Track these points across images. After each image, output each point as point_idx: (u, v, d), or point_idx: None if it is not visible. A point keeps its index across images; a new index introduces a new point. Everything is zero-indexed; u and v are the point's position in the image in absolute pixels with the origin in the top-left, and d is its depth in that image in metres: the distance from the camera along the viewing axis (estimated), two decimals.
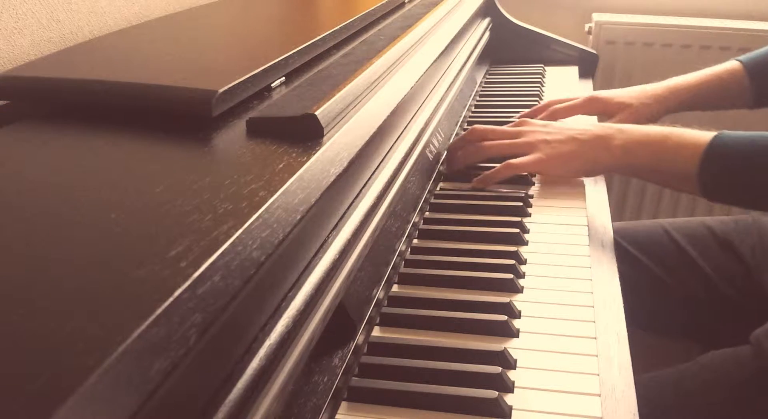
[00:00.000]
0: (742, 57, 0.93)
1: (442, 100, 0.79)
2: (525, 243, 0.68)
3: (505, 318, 0.55)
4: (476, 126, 0.82)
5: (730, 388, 0.68)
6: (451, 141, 0.86)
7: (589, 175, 0.79)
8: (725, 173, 0.68)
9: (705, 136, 0.69)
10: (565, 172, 0.78)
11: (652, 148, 0.72)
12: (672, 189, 0.78)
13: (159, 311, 0.26)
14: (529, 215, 0.73)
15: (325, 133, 0.46)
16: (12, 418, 0.21)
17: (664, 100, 0.91)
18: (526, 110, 0.97)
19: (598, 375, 0.49)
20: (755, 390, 0.67)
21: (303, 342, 0.38)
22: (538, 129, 0.79)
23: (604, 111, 0.93)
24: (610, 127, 0.76)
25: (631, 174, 0.77)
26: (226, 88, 0.47)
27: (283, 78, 0.57)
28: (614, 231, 0.72)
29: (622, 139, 0.74)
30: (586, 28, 1.51)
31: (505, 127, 0.82)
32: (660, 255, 0.88)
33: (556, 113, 0.92)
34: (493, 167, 0.78)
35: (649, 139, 0.73)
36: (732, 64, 0.92)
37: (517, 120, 0.84)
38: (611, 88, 1.51)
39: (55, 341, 0.24)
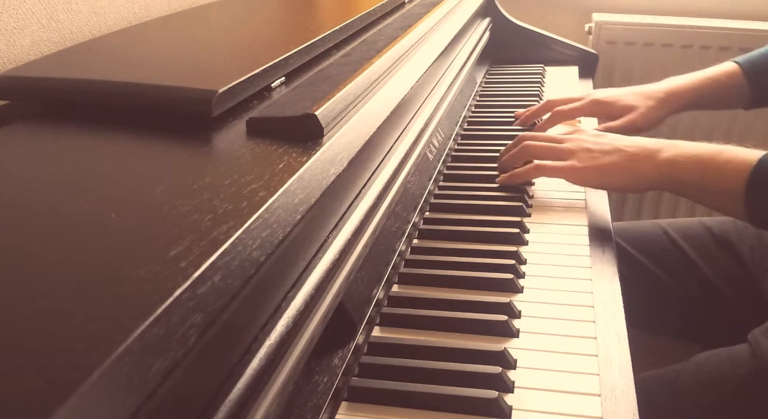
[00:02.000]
0: (738, 58, 0.92)
1: (442, 99, 0.79)
2: (525, 243, 0.68)
3: (505, 318, 0.55)
4: (526, 133, 0.79)
5: (727, 387, 0.69)
6: (450, 143, 0.86)
7: (631, 190, 0.74)
8: None
9: (756, 153, 0.65)
10: (602, 184, 0.73)
11: (701, 163, 0.67)
12: (718, 211, 0.71)
13: (159, 311, 0.26)
14: (529, 215, 0.73)
15: (325, 133, 0.46)
16: (12, 418, 0.21)
17: (666, 102, 0.90)
18: (522, 110, 0.96)
19: (598, 375, 0.49)
20: (752, 389, 0.67)
21: (303, 342, 0.38)
22: (586, 137, 0.75)
23: (609, 114, 0.91)
24: (661, 141, 0.71)
25: (677, 191, 0.71)
26: (226, 88, 0.47)
27: (283, 78, 0.57)
28: (613, 232, 0.71)
29: (670, 152, 0.69)
30: (586, 28, 1.51)
31: (554, 134, 0.79)
32: (659, 255, 0.88)
33: (559, 115, 0.92)
34: None
35: (699, 154, 0.67)
36: (730, 66, 0.92)
37: (520, 119, 0.83)
38: (611, 87, 1.52)
39: (55, 341, 0.24)
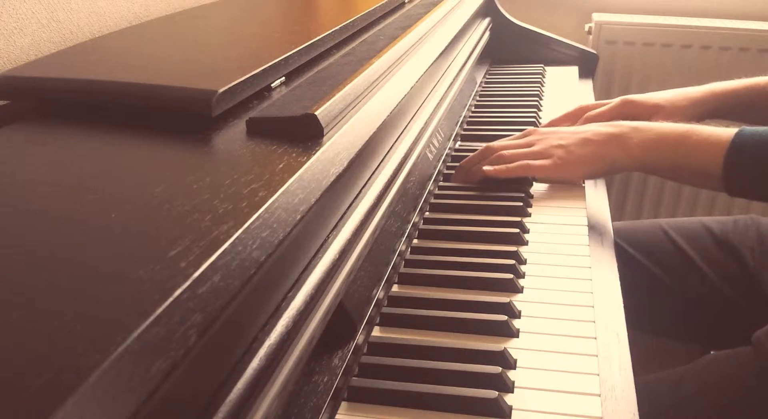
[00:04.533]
0: None
1: (442, 100, 0.79)
2: (525, 243, 0.68)
3: (505, 318, 0.55)
4: (489, 144, 0.80)
5: (731, 390, 0.68)
6: (450, 143, 0.86)
7: (608, 174, 0.78)
8: (752, 169, 0.67)
9: (726, 132, 0.68)
10: (583, 174, 0.77)
11: (671, 146, 0.71)
12: (693, 185, 0.77)
13: (159, 311, 0.26)
14: (529, 215, 0.73)
15: (325, 133, 0.46)
16: (12, 418, 0.21)
17: (702, 103, 0.88)
18: (556, 117, 0.94)
19: (598, 375, 0.49)
20: (756, 391, 0.67)
21: (303, 342, 0.38)
22: (549, 136, 0.78)
23: (638, 114, 0.89)
24: (624, 125, 0.74)
25: (650, 172, 0.75)
26: (226, 88, 0.47)
27: (283, 78, 0.57)
28: (613, 232, 0.71)
29: (638, 137, 0.72)
30: (586, 28, 1.51)
31: (513, 139, 0.81)
32: (659, 255, 0.88)
33: (589, 120, 0.90)
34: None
35: (667, 137, 0.71)
36: None
37: (529, 129, 0.82)
38: (611, 88, 1.52)
39: (55, 341, 0.24)
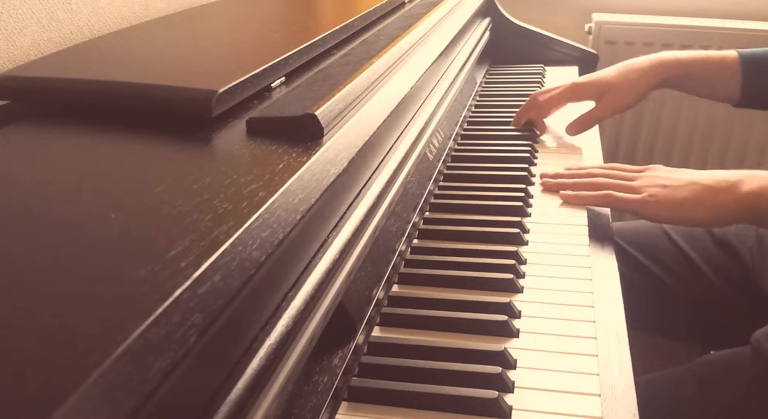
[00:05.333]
0: (743, 50, 0.88)
1: (442, 100, 0.79)
2: (525, 243, 0.68)
3: (505, 318, 0.55)
4: (595, 168, 0.77)
5: (730, 390, 0.68)
6: (450, 143, 0.86)
7: (711, 225, 0.71)
8: None
9: None
10: (677, 219, 0.70)
11: None
12: None
13: (159, 311, 0.26)
14: (529, 215, 0.73)
15: (325, 133, 0.46)
16: (12, 418, 0.21)
17: (651, 73, 0.87)
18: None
19: (598, 375, 0.49)
20: (755, 392, 0.67)
21: (303, 342, 0.38)
22: (658, 174, 0.73)
23: (590, 95, 0.90)
24: (741, 172, 0.68)
25: (760, 223, 0.68)
26: (226, 88, 0.47)
27: (283, 78, 0.57)
28: (613, 232, 0.71)
29: (754, 184, 0.65)
30: (586, 28, 1.51)
31: (631, 167, 0.77)
32: (659, 255, 0.88)
33: (542, 106, 0.91)
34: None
35: None
36: (729, 53, 0.88)
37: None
38: None
39: (55, 341, 0.24)
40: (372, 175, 0.54)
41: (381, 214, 0.53)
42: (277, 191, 0.37)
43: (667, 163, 0.77)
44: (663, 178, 0.71)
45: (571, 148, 0.92)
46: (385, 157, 0.58)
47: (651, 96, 0.92)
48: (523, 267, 0.63)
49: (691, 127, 1.53)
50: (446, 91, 0.82)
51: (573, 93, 0.91)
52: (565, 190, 0.77)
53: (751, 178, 0.66)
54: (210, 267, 0.30)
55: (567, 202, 0.75)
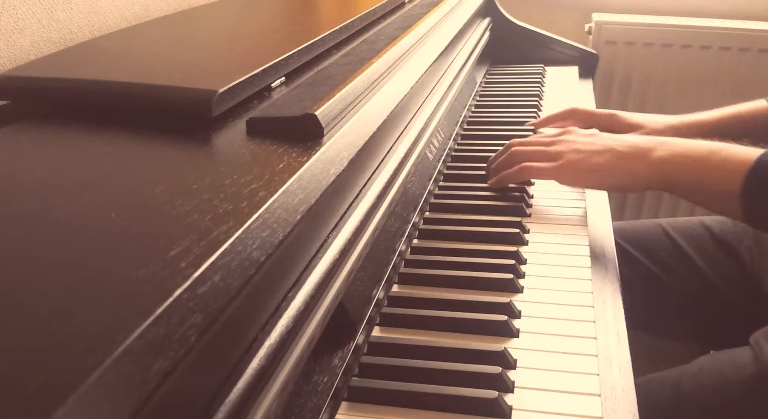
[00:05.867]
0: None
1: (442, 100, 0.79)
2: (525, 243, 0.68)
3: (505, 318, 0.55)
4: (513, 140, 0.78)
5: (730, 390, 0.68)
6: (450, 143, 0.86)
7: (625, 190, 0.72)
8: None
9: (753, 152, 0.63)
10: (594, 184, 0.72)
11: (695, 162, 0.65)
12: (713, 211, 0.70)
13: (159, 311, 0.26)
14: (529, 215, 0.73)
15: (325, 133, 0.46)
16: (12, 418, 0.21)
17: (679, 131, 0.86)
18: (543, 118, 0.94)
19: (598, 375, 0.49)
20: (755, 392, 0.67)
21: (303, 342, 0.38)
22: (575, 138, 0.73)
23: (619, 130, 0.88)
24: (653, 139, 0.70)
25: (671, 190, 0.69)
26: (226, 88, 0.47)
27: (283, 78, 0.57)
28: (613, 231, 0.71)
29: (664, 150, 0.67)
30: (586, 28, 1.51)
31: (543, 135, 0.78)
32: (658, 254, 0.88)
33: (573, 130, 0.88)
34: None
35: (694, 153, 0.66)
36: (759, 104, 0.86)
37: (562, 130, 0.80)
38: (611, 88, 1.52)
39: (55, 341, 0.24)
40: (372, 175, 0.54)
41: (381, 214, 0.53)
42: (277, 191, 0.37)
43: None
44: (579, 143, 0.72)
45: None
46: (385, 157, 0.58)
47: (650, 101, 0.91)
48: (523, 267, 0.63)
49: None
50: (446, 91, 0.82)
51: (607, 122, 0.88)
52: (492, 176, 0.78)
53: (663, 145, 0.68)
54: (210, 267, 0.30)
55: (492, 187, 0.76)
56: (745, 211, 0.62)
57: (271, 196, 0.36)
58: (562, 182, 0.73)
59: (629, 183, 0.69)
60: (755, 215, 0.63)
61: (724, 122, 0.87)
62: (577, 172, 0.70)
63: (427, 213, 0.74)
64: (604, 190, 0.75)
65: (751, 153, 0.63)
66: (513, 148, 0.76)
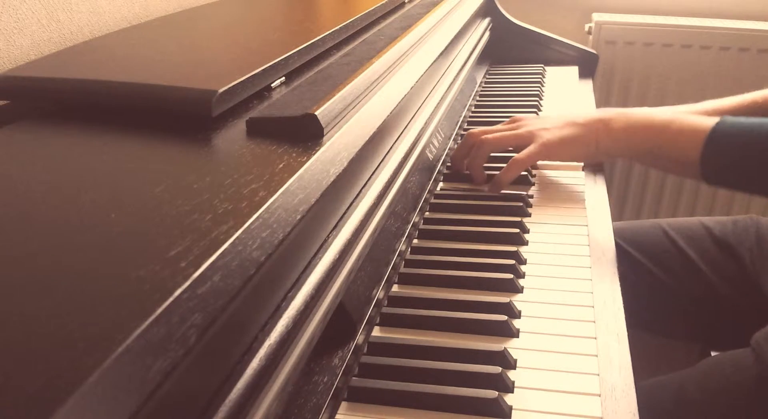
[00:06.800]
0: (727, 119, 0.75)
1: (442, 100, 0.79)
2: (525, 243, 0.68)
3: (505, 318, 0.55)
4: (471, 130, 0.82)
5: (732, 394, 0.68)
6: (450, 143, 0.86)
7: (591, 159, 0.79)
8: (728, 158, 0.67)
9: (708, 121, 0.69)
10: (568, 156, 0.77)
11: (654, 131, 0.71)
12: (673, 174, 0.78)
13: (159, 311, 0.26)
14: (529, 215, 0.73)
15: (325, 133, 0.46)
16: (12, 418, 0.21)
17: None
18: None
19: (598, 375, 0.49)
20: (757, 394, 0.67)
21: (303, 342, 0.38)
22: (534, 121, 0.79)
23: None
24: (610, 110, 0.75)
25: (632, 158, 0.76)
26: (226, 88, 0.47)
27: (283, 78, 0.57)
28: (613, 232, 0.71)
29: (623, 121, 0.73)
30: (586, 28, 1.51)
31: (500, 125, 0.83)
32: (658, 255, 0.88)
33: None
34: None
35: (651, 123, 0.72)
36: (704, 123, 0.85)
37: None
38: (611, 88, 1.52)
39: (55, 341, 0.24)
40: (372, 175, 0.54)
41: (381, 214, 0.53)
42: (277, 191, 0.37)
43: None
44: (540, 122, 0.78)
45: None
46: (385, 157, 0.58)
47: (650, 101, 0.91)
48: (523, 267, 0.63)
49: None
50: (446, 91, 0.82)
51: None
52: (461, 168, 0.81)
53: (619, 116, 0.74)
54: (210, 267, 0.30)
55: (494, 191, 0.78)
56: (705, 176, 0.69)
57: (271, 195, 0.36)
58: (547, 159, 0.78)
59: (593, 152, 0.75)
60: (714, 179, 0.69)
61: (742, 110, 0.87)
62: (556, 147, 0.76)
63: (427, 213, 0.74)
64: (575, 161, 0.81)
65: (705, 121, 0.69)
66: (482, 138, 0.79)
